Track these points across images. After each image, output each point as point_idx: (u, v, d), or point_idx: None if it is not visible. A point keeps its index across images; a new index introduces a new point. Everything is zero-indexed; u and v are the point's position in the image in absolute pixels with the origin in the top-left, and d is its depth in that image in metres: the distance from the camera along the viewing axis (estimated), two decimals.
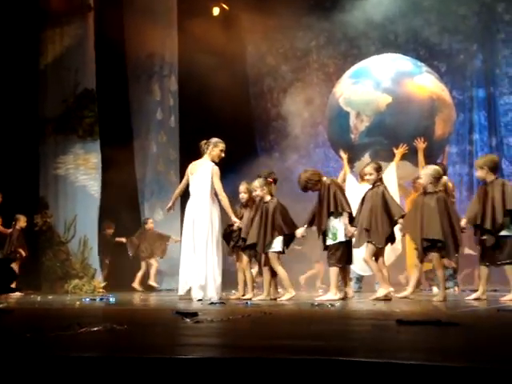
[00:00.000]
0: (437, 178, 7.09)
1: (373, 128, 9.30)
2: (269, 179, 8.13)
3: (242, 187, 8.51)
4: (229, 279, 9.25)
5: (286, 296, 7.70)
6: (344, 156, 9.51)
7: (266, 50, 14.41)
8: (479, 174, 7.08)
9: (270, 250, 7.82)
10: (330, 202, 7.51)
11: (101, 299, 8.37)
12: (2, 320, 4.94)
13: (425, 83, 9.46)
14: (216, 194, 8.02)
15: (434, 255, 7.04)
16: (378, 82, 9.47)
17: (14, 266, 10.56)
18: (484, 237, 6.94)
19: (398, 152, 9.13)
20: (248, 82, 14.95)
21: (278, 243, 7.82)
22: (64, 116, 11.37)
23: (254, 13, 13.59)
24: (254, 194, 8.17)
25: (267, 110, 14.99)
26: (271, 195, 8.02)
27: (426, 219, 6.92)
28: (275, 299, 7.72)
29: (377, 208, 7.32)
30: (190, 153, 8.25)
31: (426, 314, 5.14)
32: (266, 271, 7.94)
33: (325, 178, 7.76)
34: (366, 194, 7.57)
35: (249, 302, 7.21)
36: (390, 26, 13.23)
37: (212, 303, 6.89)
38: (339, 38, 13.92)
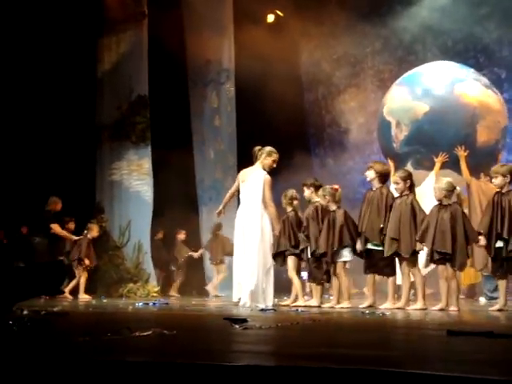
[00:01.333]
0: (450, 191, 7.09)
1: (411, 137, 9.40)
2: (334, 187, 8.14)
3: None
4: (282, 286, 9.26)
5: (343, 304, 7.72)
6: (391, 164, 9.48)
7: (320, 56, 14.38)
8: (499, 181, 7.01)
9: (339, 260, 7.85)
10: None
11: (154, 304, 8.46)
12: (56, 323, 5.03)
13: (466, 90, 9.40)
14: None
15: (446, 267, 7.01)
16: (416, 90, 9.58)
17: (80, 274, 10.76)
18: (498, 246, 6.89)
19: (438, 161, 9.04)
20: (302, 88, 14.95)
21: (347, 253, 7.85)
22: (118, 122, 11.57)
23: (308, 20, 13.61)
24: (314, 201, 8.17)
25: (322, 116, 14.96)
26: (337, 204, 8.02)
27: (438, 232, 6.92)
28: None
29: (405, 218, 7.27)
30: (247, 159, 8.28)
31: (478, 325, 5.05)
32: (335, 280, 7.94)
33: None
34: (393, 203, 7.49)
35: (299, 309, 7.21)
36: (449, 32, 13.08)
37: (262, 310, 6.90)
38: (395, 45, 13.81)
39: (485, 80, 9.89)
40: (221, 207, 8.43)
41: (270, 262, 7.97)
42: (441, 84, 9.57)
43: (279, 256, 8.44)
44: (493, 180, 7.19)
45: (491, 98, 9.52)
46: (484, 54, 13.05)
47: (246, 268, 7.77)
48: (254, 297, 7.67)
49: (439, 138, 9.14)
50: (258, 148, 8.17)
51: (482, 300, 8.97)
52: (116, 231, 11.43)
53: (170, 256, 12.59)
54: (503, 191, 6.99)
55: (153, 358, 2.85)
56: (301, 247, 8.28)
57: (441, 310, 6.96)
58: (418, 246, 7.30)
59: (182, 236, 12.62)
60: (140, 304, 8.34)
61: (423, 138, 9.31)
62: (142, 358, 2.77)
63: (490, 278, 8.87)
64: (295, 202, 8.65)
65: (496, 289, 8.79)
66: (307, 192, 8.43)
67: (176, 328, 4.05)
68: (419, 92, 9.56)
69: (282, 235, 8.33)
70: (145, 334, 3.69)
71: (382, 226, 7.47)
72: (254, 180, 8.01)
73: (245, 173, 8.20)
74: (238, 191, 8.30)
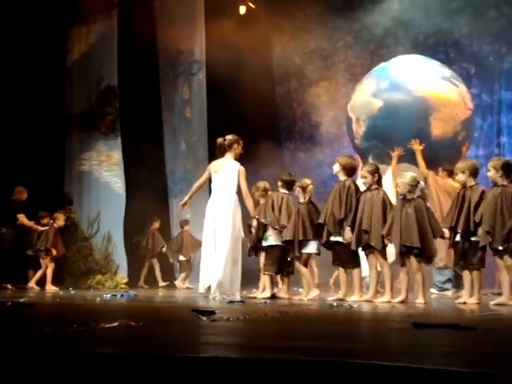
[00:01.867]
0: (414, 186, 7.18)
1: (369, 132, 9.65)
2: (306, 182, 8.18)
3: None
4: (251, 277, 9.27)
5: (312, 293, 7.88)
6: (359, 158, 9.58)
7: (292, 49, 14.36)
8: (460, 177, 7.12)
9: (304, 252, 7.94)
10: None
11: (121, 295, 8.42)
12: (22, 314, 4.98)
13: (419, 84, 9.52)
14: (239, 194, 8.04)
15: (411, 260, 7.08)
16: (373, 85, 9.82)
17: (47, 264, 10.70)
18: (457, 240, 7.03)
19: (394, 155, 9.16)
20: (274, 81, 14.94)
21: (311, 245, 7.94)
22: (88, 113, 11.49)
23: (281, 13, 13.58)
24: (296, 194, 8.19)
25: (293, 109, 14.97)
26: (306, 197, 8.12)
27: (404, 226, 7.00)
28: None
29: (377, 211, 7.32)
30: (218, 152, 8.23)
31: (443, 318, 5.10)
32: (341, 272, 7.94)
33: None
34: (361, 196, 7.52)
35: (267, 302, 7.22)
36: (419, 27, 13.13)
37: (231, 302, 6.90)
38: (367, 39, 13.84)
39: (446, 72, 9.95)
40: (187, 198, 8.39)
41: (240, 253, 7.97)
42: (395, 79, 9.74)
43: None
44: (456, 176, 7.28)
45: (449, 91, 9.56)
46: (454, 48, 13.14)
47: (216, 259, 7.76)
48: (223, 289, 7.67)
49: (393, 133, 9.29)
50: (222, 139, 8.13)
51: (434, 291, 9.11)
52: (85, 222, 11.36)
53: (148, 246, 12.51)
54: (467, 186, 7.07)
55: (118, 349, 2.84)
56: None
57: (401, 302, 7.03)
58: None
59: (156, 225, 12.56)
60: (108, 296, 8.29)
61: (379, 133, 9.50)
62: (108, 350, 2.76)
63: (440, 269, 9.04)
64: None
65: (447, 280, 9.02)
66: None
67: (143, 320, 4.04)
68: (375, 88, 9.78)
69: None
70: (111, 325, 3.67)
71: (341, 217, 7.51)
72: (228, 171, 7.98)
73: (217, 164, 8.15)
74: (206, 183, 8.29)
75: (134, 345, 3.04)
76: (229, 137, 8.09)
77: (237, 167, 7.98)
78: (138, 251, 12.46)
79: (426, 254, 7.05)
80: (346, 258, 7.65)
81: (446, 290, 9.10)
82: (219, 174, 8.04)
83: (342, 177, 7.79)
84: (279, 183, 8.46)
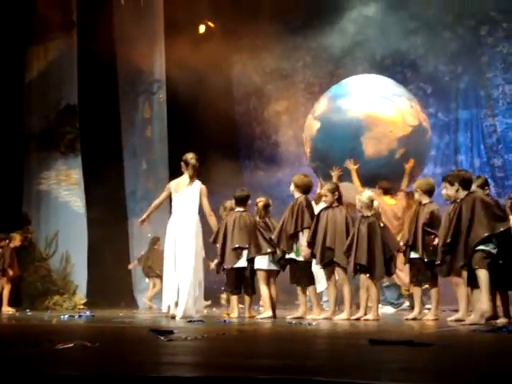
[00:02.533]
0: (369, 204, 7.27)
1: (312, 153, 9.95)
2: (257, 200, 8.22)
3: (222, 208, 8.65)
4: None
5: (265, 314, 7.85)
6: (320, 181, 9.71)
7: (252, 68, 14.45)
8: (415, 195, 7.36)
9: (256, 267, 7.97)
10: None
11: (79, 316, 8.31)
12: None
13: (352, 104, 9.67)
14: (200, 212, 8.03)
15: (363, 277, 7.21)
16: (318, 106, 10.09)
17: (4, 285, 10.53)
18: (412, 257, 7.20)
19: (334, 175, 9.27)
20: (234, 100, 14.99)
21: (264, 261, 7.94)
22: (47, 132, 11.40)
23: (240, 32, 13.66)
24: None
25: (252, 128, 15.01)
26: (261, 215, 8.17)
27: (358, 244, 7.11)
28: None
29: (341, 228, 7.38)
30: (179, 171, 8.22)
31: (400, 334, 5.15)
32: (264, 290, 7.97)
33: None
34: (321, 214, 7.55)
35: (227, 321, 7.21)
36: (377, 47, 13.33)
37: (191, 321, 6.87)
38: (325, 58, 13.97)
39: (397, 90, 10.06)
40: (145, 216, 8.36)
41: (202, 273, 7.95)
42: (336, 100, 9.89)
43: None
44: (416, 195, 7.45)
45: (384, 109, 9.59)
46: (411, 68, 13.34)
47: (179, 279, 7.72)
48: (185, 308, 7.63)
49: (331, 153, 9.51)
50: (185, 158, 8.12)
51: (390, 309, 9.17)
52: (43, 242, 11.24)
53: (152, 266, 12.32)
54: (422, 204, 7.25)
55: (73, 370, 2.81)
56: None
57: (358, 319, 7.08)
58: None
59: (158, 243, 12.33)
60: (65, 316, 8.18)
61: (319, 154, 9.78)
62: (63, 371, 2.73)
63: (391, 287, 9.14)
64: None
65: (399, 296, 9.13)
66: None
67: (100, 340, 4.00)
68: (319, 108, 10.03)
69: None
70: (66, 346, 3.62)
71: (291, 232, 7.54)
72: (189, 190, 7.95)
73: (177, 183, 8.12)
74: (165, 202, 8.27)
75: (88, 366, 3.01)
76: (188, 155, 8.09)
77: (198, 186, 7.98)
78: (100, 270, 12.32)
79: (376, 273, 7.13)
80: (300, 276, 7.69)
81: (402, 304, 9.20)
82: (180, 193, 8.01)
83: (296, 194, 7.83)
84: (234, 201, 8.47)
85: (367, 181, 9.07)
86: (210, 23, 13.85)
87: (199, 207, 7.95)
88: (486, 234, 6.08)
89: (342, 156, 9.34)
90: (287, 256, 7.71)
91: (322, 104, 10.08)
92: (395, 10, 12.38)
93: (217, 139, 12.72)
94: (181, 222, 7.90)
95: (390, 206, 9.00)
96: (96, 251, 12.38)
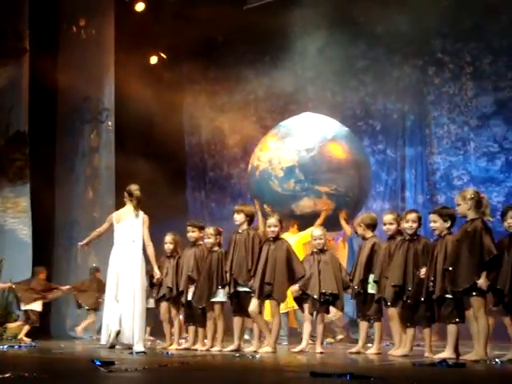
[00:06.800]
0: (321, 239, 7.62)
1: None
2: (219, 228, 8.20)
3: (169, 237, 8.46)
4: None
5: (216, 348, 7.77)
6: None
7: (204, 101, 14.55)
8: (359, 230, 7.60)
9: (213, 300, 7.77)
10: None
11: (19, 346, 8.15)
12: None
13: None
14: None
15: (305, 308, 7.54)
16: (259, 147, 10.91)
17: None
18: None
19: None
20: (184, 131, 15.02)
21: (221, 294, 7.80)
22: None
23: (193, 64, 13.76)
24: (206, 241, 8.08)
25: (204, 160, 15.04)
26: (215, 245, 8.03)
27: (323, 274, 7.40)
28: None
29: (281, 263, 7.38)
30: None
31: (340, 367, 5.19)
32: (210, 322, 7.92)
33: None
34: (264, 246, 7.54)
35: (169, 352, 7.15)
36: (327, 83, 13.54)
37: (132, 353, 6.81)
38: (277, 93, 14.12)
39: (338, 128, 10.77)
40: (86, 241, 8.31)
41: (145, 303, 7.90)
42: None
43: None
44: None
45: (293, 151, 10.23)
46: (360, 105, 13.57)
47: (120, 310, 7.65)
48: (127, 339, 7.57)
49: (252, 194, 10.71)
50: (129, 190, 8.10)
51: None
52: None
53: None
54: (365, 238, 7.54)
55: None
56: (181, 288, 8.20)
57: (301, 351, 7.28)
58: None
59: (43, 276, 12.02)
60: (5, 347, 8.02)
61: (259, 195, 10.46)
62: None
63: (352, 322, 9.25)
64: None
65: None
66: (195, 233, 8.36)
67: (39, 371, 3.95)
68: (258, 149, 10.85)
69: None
70: (3, 376, 3.57)
71: (249, 267, 7.51)
72: (134, 221, 7.95)
73: (119, 214, 8.11)
74: (106, 232, 8.20)
75: None
76: (133, 187, 8.08)
77: (141, 215, 7.98)
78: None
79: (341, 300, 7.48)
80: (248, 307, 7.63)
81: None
82: (122, 224, 8.00)
83: (245, 226, 7.76)
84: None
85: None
86: (161, 54, 13.91)
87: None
88: None
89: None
90: (241, 289, 7.59)
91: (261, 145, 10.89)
92: (345, 48, 12.64)
93: (164, 170, 12.65)
94: (123, 252, 7.91)
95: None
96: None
